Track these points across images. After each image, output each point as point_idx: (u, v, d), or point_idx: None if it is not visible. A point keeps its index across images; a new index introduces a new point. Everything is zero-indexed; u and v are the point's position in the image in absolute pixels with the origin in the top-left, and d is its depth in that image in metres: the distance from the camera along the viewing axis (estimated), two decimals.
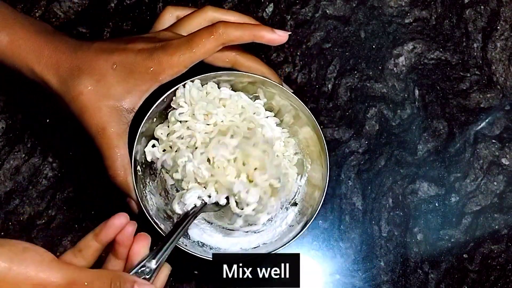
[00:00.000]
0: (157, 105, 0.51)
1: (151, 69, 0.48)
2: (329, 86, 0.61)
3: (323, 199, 0.52)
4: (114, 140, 0.49)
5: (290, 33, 0.52)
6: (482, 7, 0.63)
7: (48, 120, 0.59)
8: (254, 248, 0.53)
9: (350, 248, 0.59)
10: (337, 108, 0.61)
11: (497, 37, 0.62)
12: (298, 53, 0.61)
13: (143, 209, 0.49)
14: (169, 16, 0.54)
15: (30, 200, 0.57)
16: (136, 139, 0.50)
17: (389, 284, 0.58)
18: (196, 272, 0.56)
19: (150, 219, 0.49)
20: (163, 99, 0.51)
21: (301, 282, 0.58)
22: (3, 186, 0.57)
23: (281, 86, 0.53)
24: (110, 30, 0.60)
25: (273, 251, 0.51)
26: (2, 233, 0.57)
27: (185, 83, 0.51)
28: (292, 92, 0.53)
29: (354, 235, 0.59)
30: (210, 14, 0.52)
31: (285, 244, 0.51)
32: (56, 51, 0.49)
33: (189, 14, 0.53)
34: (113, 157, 0.49)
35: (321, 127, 0.60)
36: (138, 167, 0.51)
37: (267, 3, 0.62)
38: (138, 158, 0.51)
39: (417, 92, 0.61)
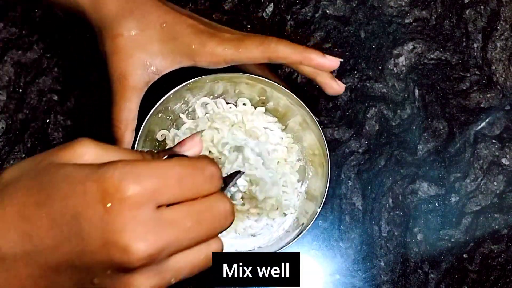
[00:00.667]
0: (161, 103, 0.51)
1: (193, 46, 0.48)
2: None
3: (321, 207, 0.52)
4: (129, 92, 0.48)
5: (342, 60, 0.49)
6: (482, 7, 0.63)
7: (48, 120, 0.59)
8: (250, 251, 0.53)
9: (350, 248, 0.59)
10: (337, 108, 0.61)
11: (497, 37, 0.62)
12: None
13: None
14: None
15: None
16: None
17: (389, 284, 0.58)
18: None
19: None
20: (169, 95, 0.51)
21: (301, 282, 0.58)
22: None
23: (288, 91, 0.53)
24: None
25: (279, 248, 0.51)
26: None
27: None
28: (299, 99, 0.53)
29: (354, 235, 0.59)
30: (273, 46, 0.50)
31: (280, 249, 0.51)
32: None
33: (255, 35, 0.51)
34: (121, 107, 0.49)
35: (321, 127, 0.60)
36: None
37: (267, 3, 0.62)
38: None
39: (417, 92, 0.61)
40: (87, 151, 0.33)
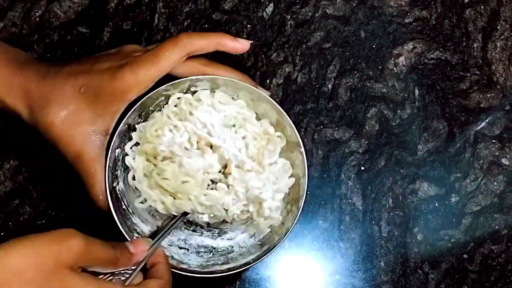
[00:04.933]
0: (127, 118, 0.50)
1: (119, 88, 0.48)
2: (329, 86, 0.61)
3: (297, 219, 0.51)
4: (91, 165, 0.49)
5: (252, 42, 0.52)
6: (482, 7, 0.63)
7: None
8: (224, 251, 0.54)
9: (350, 248, 0.59)
10: (337, 108, 0.61)
11: (497, 37, 0.62)
12: (298, 53, 0.61)
13: (125, 234, 0.50)
14: None
15: (30, 200, 0.57)
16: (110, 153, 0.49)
17: (389, 284, 0.58)
18: None
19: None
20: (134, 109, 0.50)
21: (301, 282, 0.58)
22: (3, 186, 0.57)
23: (256, 88, 0.51)
24: (110, 30, 0.60)
25: (244, 266, 0.51)
26: (2, 233, 0.57)
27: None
28: (269, 96, 0.52)
29: (354, 235, 0.59)
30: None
31: (256, 260, 0.50)
32: (25, 80, 0.49)
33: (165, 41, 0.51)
34: (91, 182, 0.49)
35: (321, 127, 0.60)
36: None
37: (267, 3, 0.62)
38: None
39: (417, 92, 0.61)
40: (74, 245, 0.39)
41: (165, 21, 0.61)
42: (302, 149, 0.51)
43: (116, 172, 0.51)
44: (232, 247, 0.54)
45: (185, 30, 0.60)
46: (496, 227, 0.60)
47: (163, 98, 0.52)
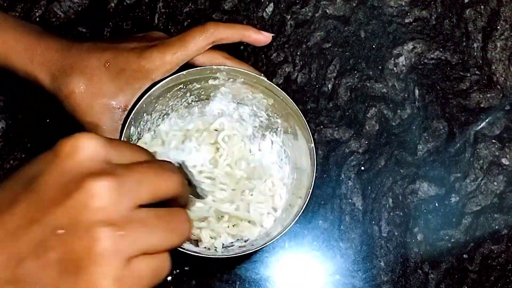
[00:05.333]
0: (144, 100, 0.51)
1: (144, 67, 0.49)
2: (329, 86, 0.61)
3: (302, 209, 0.50)
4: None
5: (274, 35, 0.54)
6: (482, 7, 0.63)
7: (48, 120, 0.59)
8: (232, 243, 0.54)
9: (350, 248, 0.59)
10: (337, 108, 0.61)
11: (497, 37, 0.62)
12: (298, 53, 0.61)
13: None
14: None
15: None
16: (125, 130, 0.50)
17: (389, 284, 0.58)
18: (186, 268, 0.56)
19: None
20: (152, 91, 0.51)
21: (301, 282, 0.58)
22: None
23: (273, 85, 0.52)
24: (110, 30, 0.60)
25: (252, 250, 0.50)
26: None
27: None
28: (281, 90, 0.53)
29: (354, 235, 0.59)
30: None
31: (261, 246, 0.50)
32: (48, 49, 0.49)
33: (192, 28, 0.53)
34: None
35: (321, 127, 0.60)
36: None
37: (267, 3, 0.62)
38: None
39: (417, 92, 0.61)
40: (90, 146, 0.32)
41: (165, 21, 0.61)
42: (312, 144, 0.52)
43: None
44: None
45: (185, 30, 0.60)
46: (496, 227, 0.60)
47: (182, 85, 0.53)
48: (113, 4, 0.61)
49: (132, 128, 0.51)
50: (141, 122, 0.53)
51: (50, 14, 0.60)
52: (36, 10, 0.60)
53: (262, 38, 0.53)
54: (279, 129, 0.55)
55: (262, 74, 0.54)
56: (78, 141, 0.31)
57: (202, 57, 0.52)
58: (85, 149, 0.31)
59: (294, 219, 0.50)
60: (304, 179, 0.53)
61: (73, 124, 0.58)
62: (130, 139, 0.52)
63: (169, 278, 0.55)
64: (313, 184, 0.50)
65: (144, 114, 0.52)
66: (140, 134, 0.54)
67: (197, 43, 0.50)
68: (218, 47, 0.52)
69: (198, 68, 0.52)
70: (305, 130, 0.52)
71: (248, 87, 0.54)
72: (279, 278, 0.58)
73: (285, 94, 0.52)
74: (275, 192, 0.55)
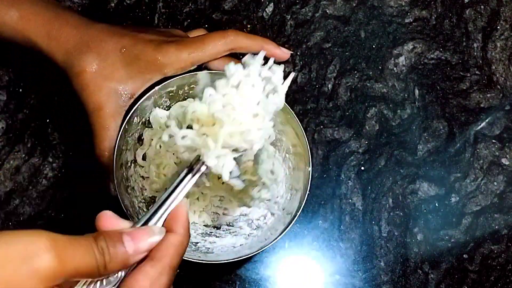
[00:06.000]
0: (151, 93, 0.51)
1: (159, 60, 0.49)
2: (329, 86, 0.61)
3: (301, 208, 0.50)
4: (107, 121, 0.49)
5: (292, 52, 0.56)
6: (482, 7, 0.63)
7: (48, 120, 0.59)
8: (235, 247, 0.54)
9: (350, 249, 0.59)
10: (337, 108, 0.61)
11: (497, 37, 0.62)
12: (298, 53, 0.61)
13: (118, 195, 0.49)
14: (197, 34, 0.55)
15: (30, 200, 0.57)
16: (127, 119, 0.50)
17: (389, 284, 0.58)
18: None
19: (122, 205, 0.48)
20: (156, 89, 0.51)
21: (302, 282, 0.58)
22: (3, 186, 0.57)
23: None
24: None
25: (256, 252, 0.50)
26: None
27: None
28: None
29: (354, 235, 0.59)
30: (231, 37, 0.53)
31: (262, 247, 0.50)
32: (66, 25, 0.50)
33: (213, 32, 0.53)
34: (102, 137, 0.50)
35: (321, 127, 0.60)
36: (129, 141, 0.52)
37: (267, 2, 0.62)
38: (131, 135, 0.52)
39: (417, 92, 0.61)
40: (42, 266, 0.32)
41: (165, 21, 0.61)
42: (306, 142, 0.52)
43: (127, 138, 0.51)
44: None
45: (186, 30, 0.60)
46: (496, 227, 0.60)
47: (194, 85, 0.53)
48: (113, 4, 0.61)
49: (136, 118, 0.51)
50: (147, 113, 0.53)
51: None
52: None
53: (280, 53, 0.54)
54: (282, 147, 0.56)
55: None
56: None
57: (217, 61, 0.52)
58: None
59: (290, 224, 0.50)
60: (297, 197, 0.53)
61: (72, 124, 0.58)
62: (133, 130, 0.52)
63: None
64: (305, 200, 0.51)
65: (152, 106, 0.52)
66: (144, 124, 0.54)
67: (216, 47, 0.50)
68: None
69: (212, 71, 0.52)
70: (305, 152, 0.52)
71: None
72: (279, 278, 0.58)
73: (290, 109, 0.52)
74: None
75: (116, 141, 0.49)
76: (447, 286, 0.58)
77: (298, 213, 0.50)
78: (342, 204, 0.59)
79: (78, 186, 0.58)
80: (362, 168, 0.60)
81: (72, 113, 0.59)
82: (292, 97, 0.60)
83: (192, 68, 0.51)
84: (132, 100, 0.50)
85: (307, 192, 0.51)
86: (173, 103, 0.54)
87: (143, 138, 0.54)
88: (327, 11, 0.62)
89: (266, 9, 0.62)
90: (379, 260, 0.59)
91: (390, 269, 0.58)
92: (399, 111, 0.61)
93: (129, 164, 0.53)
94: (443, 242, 0.59)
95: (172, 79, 0.51)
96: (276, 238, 0.50)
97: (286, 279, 0.58)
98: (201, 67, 0.52)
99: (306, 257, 0.59)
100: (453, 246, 0.59)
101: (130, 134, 0.52)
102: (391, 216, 0.59)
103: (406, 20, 0.62)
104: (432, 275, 0.59)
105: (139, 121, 0.52)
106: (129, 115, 0.50)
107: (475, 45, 0.62)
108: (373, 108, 0.61)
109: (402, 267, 0.59)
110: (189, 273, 0.56)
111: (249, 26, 0.61)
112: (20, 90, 0.59)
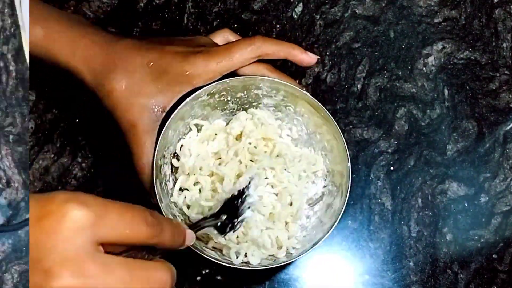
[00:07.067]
0: (183, 105, 0.51)
1: (187, 72, 0.49)
2: (359, 86, 0.61)
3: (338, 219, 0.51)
4: (143, 138, 0.49)
5: (319, 57, 0.55)
6: (511, 6, 0.63)
7: (77, 120, 0.59)
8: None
9: (379, 249, 0.59)
10: (366, 108, 0.61)
11: None
12: (328, 53, 0.61)
13: (162, 210, 0.49)
14: (223, 36, 0.55)
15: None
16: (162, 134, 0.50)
17: (419, 285, 0.58)
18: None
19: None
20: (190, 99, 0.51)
21: (331, 282, 0.58)
22: (33, 186, 0.57)
23: (313, 98, 0.53)
24: (139, 30, 0.60)
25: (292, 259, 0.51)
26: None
27: None
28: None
29: (383, 235, 0.59)
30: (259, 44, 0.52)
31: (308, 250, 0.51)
32: (92, 44, 0.49)
33: (240, 39, 0.53)
34: (140, 154, 0.49)
35: (350, 127, 0.60)
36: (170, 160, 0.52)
37: (296, 2, 0.62)
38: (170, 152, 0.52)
39: (446, 92, 0.61)
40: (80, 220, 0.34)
41: (194, 21, 0.61)
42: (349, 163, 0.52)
43: (164, 152, 0.51)
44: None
45: (215, 30, 0.60)
46: None
47: (225, 92, 0.53)
48: (142, 4, 0.61)
49: (170, 132, 0.51)
50: (181, 126, 0.53)
51: (79, 14, 0.60)
52: (65, 10, 0.60)
53: (307, 58, 0.53)
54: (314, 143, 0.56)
55: (304, 88, 0.54)
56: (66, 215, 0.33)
57: (246, 68, 0.51)
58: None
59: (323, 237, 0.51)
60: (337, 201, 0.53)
61: (101, 124, 0.58)
62: (169, 143, 0.52)
63: (198, 278, 0.55)
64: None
65: (184, 118, 0.52)
66: (179, 137, 0.54)
67: (243, 55, 0.50)
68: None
69: (242, 77, 0.52)
70: (343, 148, 0.52)
71: (290, 100, 0.54)
72: (309, 279, 0.58)
73: (325, 110, 0.52)
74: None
75: (154, 156, 0.49)
76: (477, 286, 0.58)
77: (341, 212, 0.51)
78: (372, 204, 0.59)
79: (107, 186, 0.58)
80: (392, 168, 0.60)
81: (101, 113, 0.58)
82: (321, 97, 0.60)
83: (222, 76, 0.51)
84: (164, 114, 0.50)
85: (349, 187, 0.51)
86: (204, 112, 0.54)
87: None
88: (356, 11, 0.62)
89: (296, 9, 0.62)
90: (408, 260, 0.59)
91: (419, 269, 0.58)
92: (428, 111, 0.61)
93: (167, 177, 0.53)
94: (473, 242, 0.59)
95: (202, 89, 0.50)
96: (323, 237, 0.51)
97: (315, 280, 0.58)
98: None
99: (336, 257, 0.58)
100: (483, 246, 0.59)
101: (166, 148, 0.52)
102: (420, 216, 0.59)
103: (436, 20, 0.62)
104: (461, 275, 0.59)
105: (173, 134, 0.52)
106: (163, 130, 0.49)
107: (504, 45, 0.62)
108: (403, 108, 0.61)
109: (432, 267, 0.59)
110: (217, 273, 0.57)
111: (278, 26, 0.61)
112: (49, 90, 0.59)
